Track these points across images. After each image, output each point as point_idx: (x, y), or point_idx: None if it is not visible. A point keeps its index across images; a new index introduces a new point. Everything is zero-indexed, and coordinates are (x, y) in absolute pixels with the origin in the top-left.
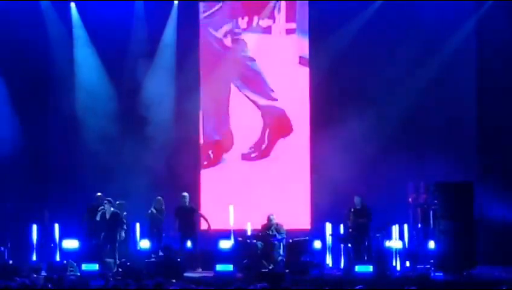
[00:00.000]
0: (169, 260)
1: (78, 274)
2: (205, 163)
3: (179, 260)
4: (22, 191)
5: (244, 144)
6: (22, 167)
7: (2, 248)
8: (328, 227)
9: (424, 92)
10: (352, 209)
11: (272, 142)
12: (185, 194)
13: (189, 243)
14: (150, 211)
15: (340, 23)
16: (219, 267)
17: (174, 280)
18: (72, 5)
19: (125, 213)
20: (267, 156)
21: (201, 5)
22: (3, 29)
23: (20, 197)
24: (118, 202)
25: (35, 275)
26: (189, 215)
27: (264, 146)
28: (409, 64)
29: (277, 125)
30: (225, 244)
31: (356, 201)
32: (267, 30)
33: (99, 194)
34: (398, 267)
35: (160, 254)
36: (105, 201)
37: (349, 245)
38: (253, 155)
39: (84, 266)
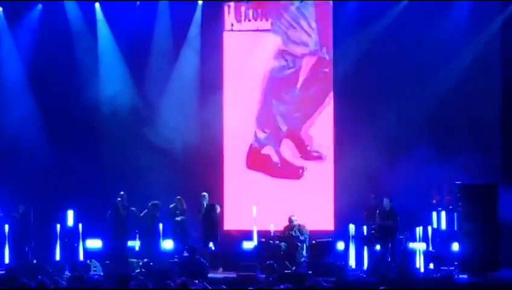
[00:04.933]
0: (194, 260)
1: (101, 274)
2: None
3: (203, 260)
4: (46, 191)
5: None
6: (45, 167)
7: (26, 248)
8: (352, 228)
9: (448, 92)
10: (378, 211)
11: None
12: (204, 193)
13: (211, 245)
14: (173, 211)
15: (364, 23)
16: None
17: (196, 281)
18: (97, 5)
19: (158, 214)
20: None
21: (226, 5)
22: (28, 29)
23: (44, 197)
24: (151, 203)
25: (58, 275)
26: (210, 214)
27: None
28: (433, 65)
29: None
30: (248, 245)
31: (385, 203)
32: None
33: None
34: (422, 269)
35: (185, 254)
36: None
37: (373, 247)
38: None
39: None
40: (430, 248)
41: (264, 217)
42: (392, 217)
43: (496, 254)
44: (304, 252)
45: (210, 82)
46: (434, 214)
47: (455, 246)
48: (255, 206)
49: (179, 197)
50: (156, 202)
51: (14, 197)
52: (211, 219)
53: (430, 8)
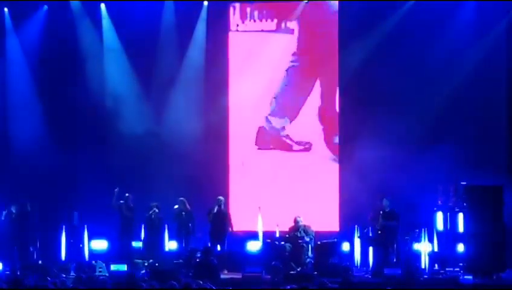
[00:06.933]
0: (207, 262)
1: (107, 274)
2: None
3: (216, 262)
4: (51, 191)
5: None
6: (50, 167)
7: (32, 248)
8: (357, 229)
9: (454, 93)
10: (381, 212)
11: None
12: (220, 198)
13: (218, 247)
14: (177, 212)
15: (370, 23)
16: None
17: (201, 281)
18: (102, 5)
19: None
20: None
21: (231, 5)
22: (34, 30)
23: (49, 198)
24: (151, 205)
25: (64, 275)
26: (222, 219)
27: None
28: (439, 65)
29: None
30: (253, 246)
31: (385, 203)
32: (292, 31)
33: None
34: (427, 270)
35: (198, 255)
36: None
37: (378, 247)
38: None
39: (112, 267)
40: (435, 249)
41: (269, 218)
42: (393, 217)
43: (501, 255)
44: (309, 253)
45: (215, 82)
46: (439, 215)
47: (460, 247)
48: (260, 207)
49: (181, 198)
50: (155, 203)
51: (20, 197)
52: (221, 222)
53: (435, 9)
